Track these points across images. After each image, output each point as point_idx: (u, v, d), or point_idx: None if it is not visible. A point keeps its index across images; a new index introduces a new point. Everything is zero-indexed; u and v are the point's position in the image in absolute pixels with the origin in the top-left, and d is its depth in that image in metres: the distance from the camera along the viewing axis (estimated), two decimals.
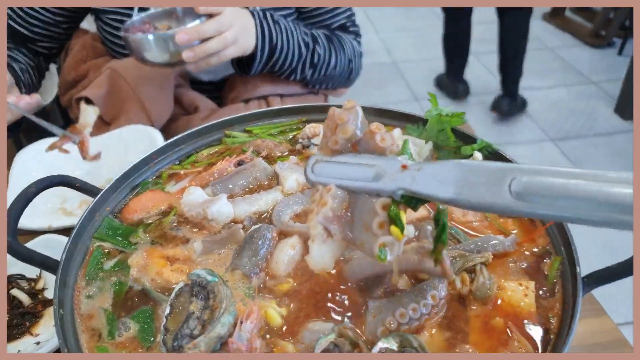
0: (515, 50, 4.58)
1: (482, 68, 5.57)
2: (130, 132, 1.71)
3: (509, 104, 4.79)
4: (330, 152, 0.78)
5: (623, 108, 4.74)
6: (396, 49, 6.15)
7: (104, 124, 1.92)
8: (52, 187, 1.02)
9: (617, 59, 5.75)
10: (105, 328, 0.88)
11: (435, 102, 1.21)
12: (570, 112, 4.90)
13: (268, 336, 0.85)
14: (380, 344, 0.80)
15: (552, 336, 0.83)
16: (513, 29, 4.46)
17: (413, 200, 0.70)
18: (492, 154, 1.17)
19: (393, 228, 0.70)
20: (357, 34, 2.12)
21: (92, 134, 1.89)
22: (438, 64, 5.35)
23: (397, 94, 5.21)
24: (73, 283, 0.94)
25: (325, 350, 0.78)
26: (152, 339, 0.86)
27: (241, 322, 0.82)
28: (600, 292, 1.23)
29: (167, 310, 0.85)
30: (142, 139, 1.66)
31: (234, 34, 1.56)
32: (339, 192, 0.74)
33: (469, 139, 1.20)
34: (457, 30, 4.77)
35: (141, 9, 1.84)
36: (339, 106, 0.80)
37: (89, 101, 1.88)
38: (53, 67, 3.80)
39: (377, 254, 0.70)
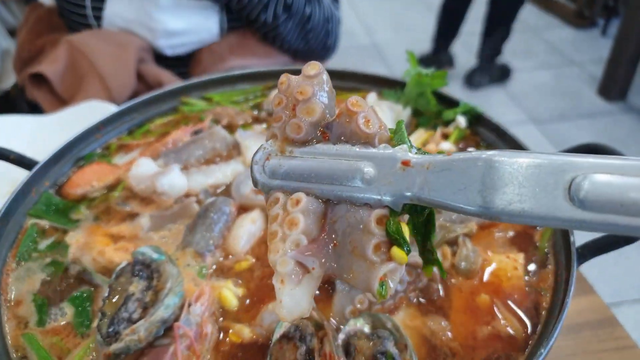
0: (505, 12, 4.49)
1: (464, 48, 5.51)
2: (88, 109, 1.56)
3: (480, 75, 4.75)
4: (290, 142, 0.54)
5: (607, 89, 4.71)
6: (376, 30, 6.04)
7: (60, 102, 1.80)
8: None
9: (600, 39, 5.72)
10: (34, 315, 0.76)
11: (415, 61, 1.11)
12: (553, 94, 4.86)
13: (222, 320, 0.74)
14: (350, 327, 0.70)
15: (543, 312, 0.73)
16: None
17: (419, 209, 0.50)
18: (477, 118, 1.06)
19: (395, 250, 0.49)
20: None
21: (47, 112, 1.78)
22: (419, 46, 5.25)
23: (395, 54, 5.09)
24: (1, 266, 0.82)
25: (286, 334, 0.67)
26: (88, 323, 0.74)
27: (189, 305, 0.71)
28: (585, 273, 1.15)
29: (106, 293, 0.73)
30: (101, 115, 1.54)
31: None
32: (312, 203, 0.52)
33: (451, 102, 1.09)
34: (457, 3, 4.67)
35: None
36: (296, 72, 0.57)
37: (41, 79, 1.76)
38: (12, 45, 3.62)
39: (377, 290, 0.49)
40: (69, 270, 0.82)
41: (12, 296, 0.79)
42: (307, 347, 0.65)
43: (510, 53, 5.06)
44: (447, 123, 1.09)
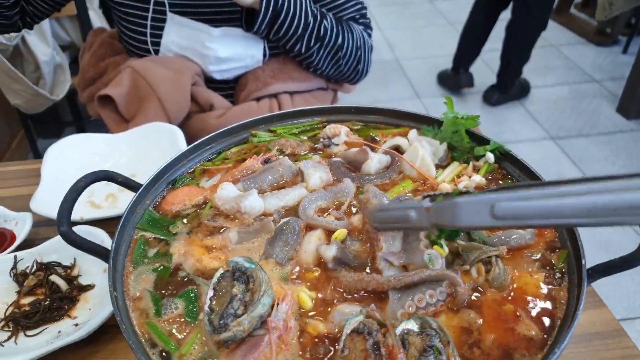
0: (525, 38, 4.58)
1: (483, 63, 5.63)
2: (152, 129, 1.80)
3: (499, 93, 4.85)
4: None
5: (626, 107, 4.77)
6: (398, 46, 6.20)
7: (123, 121, 2.01)
8: (98, 181, 1.11)
9: (621, 57, 5.76)
10: (152, 308, 0.97)
11: (451, 105, 1.30)
12: (572, 111, 4.94)
13: (300, 317, 0.95)
14: (403, 325, 0.89)
15: (558, 321, 0.92)
16: (532, 14, 4.44)
17: (445, 232, 1.02)
18: (504, 155, 1.26)
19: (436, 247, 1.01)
20: (367, 26, 2.14)
21: (112, 130, 1.97)
22: (439, 61, 5.41)
23: (399, 91, 5.28)
24: (121, 269, 1.03)
25: (355, 330, 0.87)
26: (196, 316, 0.95)
27: (277, 304, 0.92)
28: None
29: (211, 293, 0.94)
30: (164, 135, 1.75)
31: None
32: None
33: (482, 140, 1.29)
34: (483, 21, 4.78)
35: (156, 2, 1.91)
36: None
37: (108, 99, 1.95)
38: (66, 63, 3.86)
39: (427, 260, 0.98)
40: (176, 274, 1.03)
41: (135, 293, 1.00)
42: (374, 340, 0.84)
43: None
44: (477, 158, 1.28)
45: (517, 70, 4.84)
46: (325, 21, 1.93)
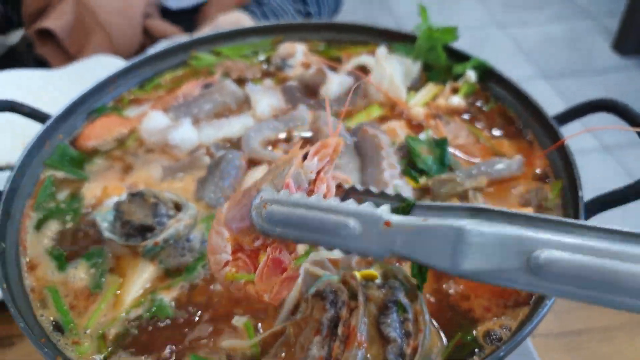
0: None
1: None
2: (95, 63, 1.58)
3: None
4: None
5: (621, 43, 4.60)
6: None
7: (67, 59, 1.79)
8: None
9: None
10: (53, 267, 0.79)
11: (426, 15, 1.09)
12: (565, 48, 4.74)
13: None
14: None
15: None
16: None
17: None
18: (487, 73, 1.06)
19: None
20: None
21: (55, 67, 1.78)
22: None
23: (404, 4, 4.93)
24: (19, 215, 0.84)
25: (320, 292, 0.67)
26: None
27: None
28: None
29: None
30: (108, 70, 1.54)
31: None
32: None
33: (462, 57, 1.08)
34: None
35: None
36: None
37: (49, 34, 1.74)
38: None
39: None
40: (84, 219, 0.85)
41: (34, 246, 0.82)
42: (333, 313, 0.65)
43: (522, 5, 4.90)
44: (456, 77, 1.09)
45: None
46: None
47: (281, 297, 0.59)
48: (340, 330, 0.63)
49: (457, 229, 0.47)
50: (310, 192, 0.59)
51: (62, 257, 0.79)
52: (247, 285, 0.59)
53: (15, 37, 3.46)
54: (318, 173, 0.60)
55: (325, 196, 0.58)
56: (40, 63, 1.88)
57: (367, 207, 0.53)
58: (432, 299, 0.73)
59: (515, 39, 4.88)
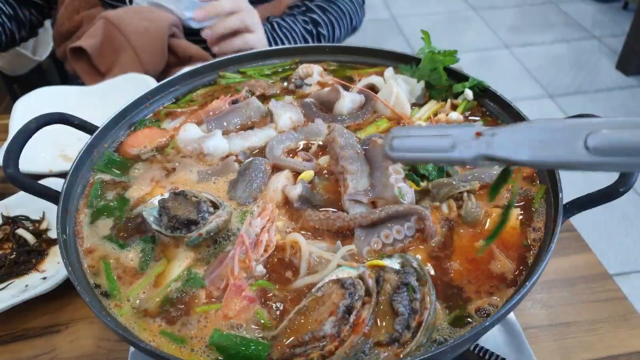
0: None
1: None
2: (126, 81, 1.71)
3: None
4: None
5: (625, 63, 4.68)
6: (395, 3, 6.03)
7: (98, 75, 1.92)
8: (51, 123, 1.03)
9: (621, 13, 5.62)
10: (109, 248, 0.93)
11: (429, 40, 1.22)
12: (570, 68, 4.83)
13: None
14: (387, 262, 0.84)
15: (531, 255, 0.87)
16: None
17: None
18: (483, 91, 1.18)
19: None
20: None
21: (88, 84, 1.90)
22: (437, 18, 5.26)
23: (414, 24, 5.10)
24: (74, 211, 0.98)
25: (342, 281, 0.80)
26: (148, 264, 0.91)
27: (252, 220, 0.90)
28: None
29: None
30: (138, 87, 1.66)
31: (252, 19, 1.61)
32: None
33: (461, 77, 1.21)
34: None
35: None
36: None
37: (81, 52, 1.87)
38: (48, 22, 3.74)
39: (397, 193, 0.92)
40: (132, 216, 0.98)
41: (89, 236, 0.95)
42: (350, 303, 0.76)
43: (528, 25, 5.00)
44: (456, 95, 1.21)
45: None
46: (321, 29, 1.94)
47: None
48: (352, 318, 0.75)
49: (532, 123, 0.63)
50: (257, 243, 0.87)
51: (117, 242, 0.92)
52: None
53: (43, 54, 3.63)
54: (262, 228, 0.88)
55: (267, 245, 0.87)
56: (65, 79, 1.97)
57: (462, 126, 0.69)
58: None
59: (521, 59, 4.98)
